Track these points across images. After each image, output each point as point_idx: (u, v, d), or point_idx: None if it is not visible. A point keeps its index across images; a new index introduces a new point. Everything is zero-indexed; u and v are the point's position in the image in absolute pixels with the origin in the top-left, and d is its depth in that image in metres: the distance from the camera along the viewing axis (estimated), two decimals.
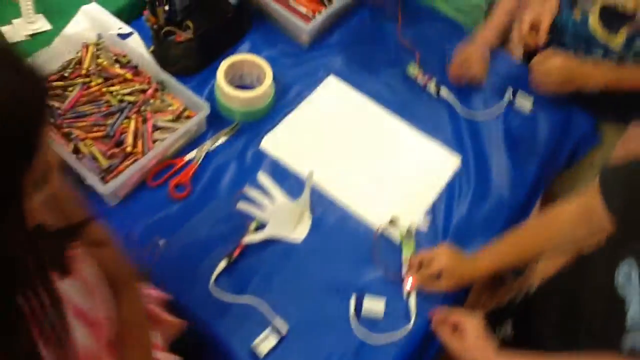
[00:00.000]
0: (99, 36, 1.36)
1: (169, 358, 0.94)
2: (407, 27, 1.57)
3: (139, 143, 1.21)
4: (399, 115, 1.40)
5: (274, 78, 1.35)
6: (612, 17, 1.27)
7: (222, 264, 1.12)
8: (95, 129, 1.23)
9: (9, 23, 1.38)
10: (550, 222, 1.08)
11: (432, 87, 1.45)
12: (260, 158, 1.30)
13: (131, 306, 0.84)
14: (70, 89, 1.28)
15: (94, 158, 1.18)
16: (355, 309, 1.11)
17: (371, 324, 1.11)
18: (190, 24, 1.35)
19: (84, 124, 1.23)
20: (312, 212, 1.23)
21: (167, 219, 1.19)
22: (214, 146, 1.30)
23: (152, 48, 1.37)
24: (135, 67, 1.33)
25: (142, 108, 1.27)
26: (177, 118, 1.28)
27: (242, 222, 1.19)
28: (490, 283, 1.59)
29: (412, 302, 1.13)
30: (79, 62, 1.32)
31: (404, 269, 1.17)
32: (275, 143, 1.32)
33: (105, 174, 1.17)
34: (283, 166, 1.29)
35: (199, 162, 1.26)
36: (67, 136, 1.21)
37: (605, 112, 1.46)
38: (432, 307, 1.12)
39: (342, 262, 1.18)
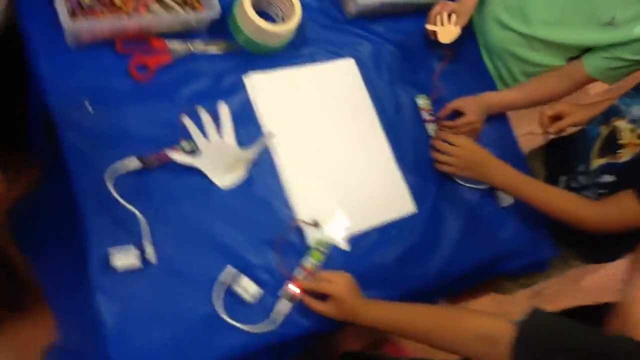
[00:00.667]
0: None
1: None
2: (451, 61, 1.48)
3: (130, 2, 1.10)
4: (386, 134, 1.32)
5: (299, 27, 1.25)
6: (611, 146, 1.27)
7: (134, 163, 1.04)
8: None
9: None
10: (456, 323, 0.98)
11: (431, 127, 1.38)
12: (236, 90, 1.20)
13: None
14: None
15: None
16: (229, 282, 1.04)
17: (235, 302, 1.05)
18: None
19: None
20: (249, 172, 1.15)
21: (111, 90, 1.09)
22: (201, 51, 1.20)
23: None
24: None
25: None
26: (184, 3, 1.17)
27: (178, 136, 1.10)
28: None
29: (284, 306, 1.07)
30: None
31: (297, 272, 1.11)
32: (259, 86, 1.23)
33: (80, 11, 1.06)
34: (253, 111, 1.21)
35: (177, 57, 1.16)
36: None
37: (579, 248, 1.42)
38: (300, 321, 1.07)
39: (246, 231, 1.11)
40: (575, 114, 1.41)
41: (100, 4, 1.08)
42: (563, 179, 1.39)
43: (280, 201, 1.16)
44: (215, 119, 1.15)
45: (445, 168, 1.30)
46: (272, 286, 1.09)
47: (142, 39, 1.14)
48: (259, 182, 1.16)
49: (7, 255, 0.98)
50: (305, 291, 1.09)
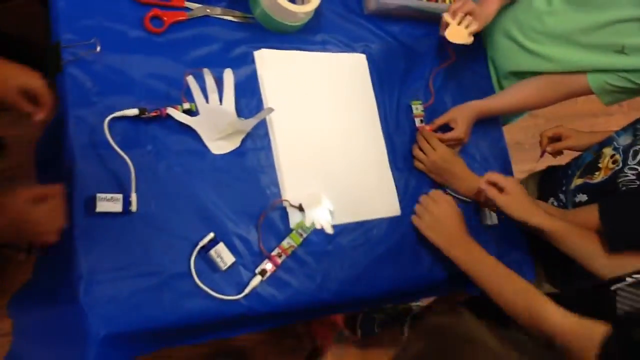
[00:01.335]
0: None
1: None
2: (450, 68, 1.48)
3: None
4: (384, 133, 1.33)
5: (316, 12, 1.26)
6: (591, 168, 1.30)
7: (132, 112, 1.04)
8: None
9: None
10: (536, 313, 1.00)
11: None
12: (245, 61, 1.21)
13: None
14: None
15: None
16: (205, 247, 1.04)
17: (206, 266, 1.05)
18: None
19: None
20: (244, 144, 1.15)
21: (122, 36, 1.09)
22: (218, 16, 1.20)
23: None
24: None
25: None
26: None
27: (180, 94, 1.10)
28: None
29: (256, 281, 1.07)
30: None
31: (274, 252, 1.11)
32: (268, 62, 1.23)
33: None
34: (257, 86, 1.21)
35: (191, 17, 1.17)
36: None
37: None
38: (266, 296, 1.07)
39: (230, 200, 1.11)
40: (573, 138, 1.44)
41: None
42: (551, 200, 1.41)
43: (269, 178, 1.17)
44: (219, 85, 1.15)
45: (419, 166, 1.34)
46: (245, 258, 1.09)
47: None
48: (252, 156, 1.16)
49: None
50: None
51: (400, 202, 1.30)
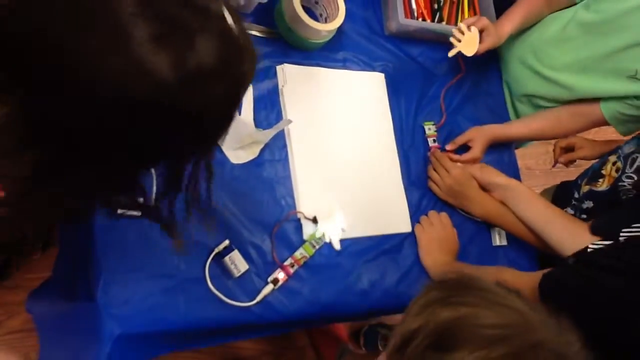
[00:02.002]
0: None
1: None
2: (464, 90, 1.51)
3: None
4: (398, 152, 1.36)
5: (338, 30, 1.30)
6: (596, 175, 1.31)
7: None
8: None
9: None
10: None
11: None
12: (267, 75, 1.25)
13: None
14: None
15: None
16: (220, 253, 1.07)
17: (219, 272, 1.07)
18: None
19: None
20: (262, 154, 1.18)
21: None
22: None
23: None
24: None
25: None
26: None
27: None
28: None
29: (268, 289, 1.09)
30: None
31: (287, 262, 1.13)
32: (290, 77, 1.26)
33: None
34: (279, 99, 1.24)
35: None
36: None
37: None
38: (277, 306, 1.09)
39: (246, 209, 1.14)
40: (586, 148, 1.45)
41: None
42: (566, 209, 1.42)
43: (285, 189, 1.19)
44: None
45: (434, 188, 1.36)
46: (258, 267, 1.11)
47: None
48: (269, 167, 1.19)
49: None
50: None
51: (412, 218, 1.32)
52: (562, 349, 0.62)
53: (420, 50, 1.48)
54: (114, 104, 0.53)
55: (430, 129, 1.42)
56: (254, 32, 1.25)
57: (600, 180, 1.29)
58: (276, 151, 1.21)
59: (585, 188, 1.33)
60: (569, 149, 1.49)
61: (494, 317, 0.63)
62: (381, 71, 1.40)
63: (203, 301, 1.04)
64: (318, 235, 1.18)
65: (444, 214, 1.34)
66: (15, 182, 0.58)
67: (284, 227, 1.16)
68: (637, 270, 0.93)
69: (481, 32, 1.34)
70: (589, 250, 1.06)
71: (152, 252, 1.02)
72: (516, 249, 1.39)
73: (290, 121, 1.19)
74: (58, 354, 1.10)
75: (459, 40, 1.32)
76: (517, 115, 1.57)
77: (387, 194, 1.32)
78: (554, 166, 1.54)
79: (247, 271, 1.08)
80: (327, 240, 1.20)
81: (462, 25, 1.33)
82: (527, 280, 1.04)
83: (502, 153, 1.50)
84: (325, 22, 1.30)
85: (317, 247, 1.17)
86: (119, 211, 0.98)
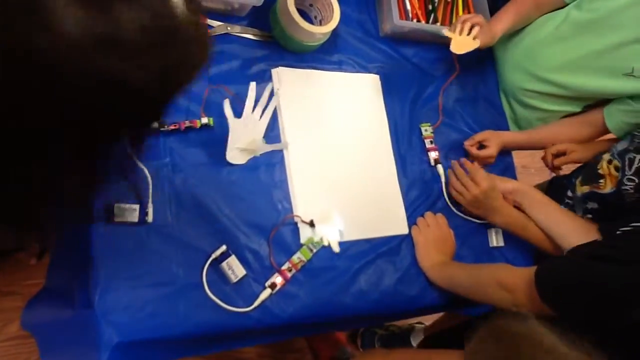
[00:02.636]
0: None
1: None
2: (459, 87, 1.51)
3: None
4: (394, 153, 1.36)
5: (333, 33, 1.29)
6: (592, 174, 1.31)
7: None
8: None
9: None
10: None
11: (432, 156, 1.40)
12: (263, 78, 1.24)
13: None
14: None
15: None
16: (217, 259, 1.07)
17: (216, 278, 1.07)
18: None
19: None
20: (257, 156, 1.18)
21: None
22: (237, 34, 1.23)
23: None
24: None
25: None
26: None
27: (199, 109, 1.13)
28: None
29: (265, 294, 1.09)
30: None
31: (285, 266, 1.13)
32: (285, 79, 1.26)
33: None
34: (274, 102, 1.24)
35: (212, 34, 1.20)
36: None
37: None
38: (275, 310, 1.09)
39: (243, 213, 1.13)
40: (578, 152, 1.43)
41: None
42: None
43: (282, 193, 1.19)
44: (239, 100, 1.18)
45: (459, 198, 1.35)
46: (256, 272, 1.11)
47: None
48: (265, 171, 1.19)
49: None
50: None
51: (408, 220, 1.32)
52: None
53: (415, 51, 1.48)
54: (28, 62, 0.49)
55: (426, 130, 1.42)
56: (248, 36, 1.25)
57: (602, 181, 1.27)
58: (272, 155, 1.21)
59: (584, 188, 1.33)
60: (560, 154, 1.49)
61: None
62: (376, 73, 1.40)
63: (201, 307, 1.03)
64: (316, 239, 1.18)
65: (440, 215, 1.34)
66: None
67: (281, 231, 1.16)
68: (628, 255, 0.96)
69: (472, 27, 1.34)
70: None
71: (150, 259, 1.02)
72: (513, 249, 1.40)
73: (285, 146, 1.21)
74: None
75: (458, 33, 1.33)
76: (515, 116, 1.57)
77: (384, 196, 1.32)
78: (552, 171, 1.52)
79: (244, 276, 1.08)
80: (326, 244, 1.20)
81: (446, 31, 1.34)
82: (521, 274, 1.05)
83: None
84: (320, 24, 1.30)
85: (315, 250, 1.17)
86: (116, 219, 0.99)
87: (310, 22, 1.30)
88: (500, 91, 1.58)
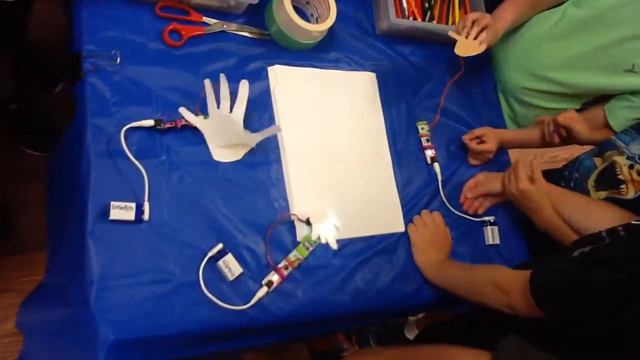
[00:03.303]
0: None
1: None
2: (456, 86, 1.51)
3: None
4: (390, 150, 1.36)
5: (329, 31, 1.29)
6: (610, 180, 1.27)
7: (148, 122, 1.06)
8: None
9: None
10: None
11: (428, 154, 1.41)
12: (258, 77, 1.24)
13: None
14: None
15: None
16: (214, 257, 1.07)
17: (213, 276, 1.07)
18: None
19: None
20: (255, 156, 1.18)
21: (141, 49, 1.12)
22: (234, 32, 1.23)
23: None
24: None
25: None
26: None
27: (195, 107, 1.13)
28: None
29: (262, 292, 1.09)
30: None
31: (281, 264, 1.13)
32: (281, 78, 1.26)
33: None
34: (271, 100, 1.24)
35: (209, 32, 1.20)
36: None
37: None
38: (272, 308, 1.10)
39: (240, 211, 1.13)
40: (580, 124, 1.34)
41: None
42: None
43: (278, 192, 1.19)
44: (233, 95, 1.17)
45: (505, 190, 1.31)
46: (252, 270, 1.11)
47: (182, 9, 1.17)
48: (262, 169, 1.19)
49: None
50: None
51: (405, 218, 1.32)
52: None
53: (411, 49, 1.48)
54: None
55: (423, 128, 1.42)
56: (244, 34, 1.24)
57: (623, 187, 1.24)
58: (269, 153, 1.21)
59: (600, 194, 1.28)
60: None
61: None
62: (373, 71, 1.40)
63: (198, 305, 1.03)
64: (312, 237, 1.18)
65: (436, 213, 1.35)
66: None
67: (277, 229, 1.16)
68: (619, 259, 0.93)
69: (480, 31, 1.30)
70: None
71: (146, 258, 1.02)
72: (509, 247, 1.41)
73: (279, 129, 1.19)
74: None
75: (464, 36, 1.29)
76: (513, 114, 1.57)
77: (380, 194, 1.32)
78: (554, 133, 1.40)
79: (241, 274, 1.08)
80: (323, 241, 1.20)
81: (451, 33, 1.30)
82: (517, 276, 1.05)
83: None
84: (317, 22, 1.30)
85: (311, 248, 1.17)
86: (112, 217, 0.99)
87: (307, 19, 1.30)
88: (497, 89, 1.58)
